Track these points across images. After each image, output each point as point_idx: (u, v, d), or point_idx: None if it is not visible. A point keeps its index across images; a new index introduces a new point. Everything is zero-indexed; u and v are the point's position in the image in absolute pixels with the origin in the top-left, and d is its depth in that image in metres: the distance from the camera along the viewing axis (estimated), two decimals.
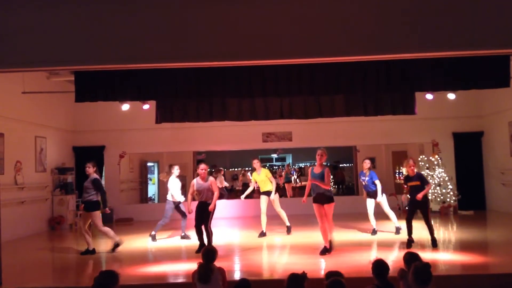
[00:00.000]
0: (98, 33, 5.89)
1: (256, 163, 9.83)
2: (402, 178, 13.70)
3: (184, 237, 9.49)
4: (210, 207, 7.91)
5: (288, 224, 9.72)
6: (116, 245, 8.29)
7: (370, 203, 9.40)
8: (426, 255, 6.84)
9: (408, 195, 8.19)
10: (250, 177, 21.46)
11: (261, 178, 9.74)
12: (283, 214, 9.68)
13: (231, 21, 5.82)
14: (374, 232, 9.32)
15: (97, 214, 8.14)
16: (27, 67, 6.35)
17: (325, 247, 7.52)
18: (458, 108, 13.02)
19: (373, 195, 9.28)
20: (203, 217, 7.97)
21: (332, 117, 9.88)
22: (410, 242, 7.84)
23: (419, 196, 7.71)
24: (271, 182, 9.67)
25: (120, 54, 5.92)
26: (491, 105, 12.96)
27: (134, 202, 15.86)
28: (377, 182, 9.28)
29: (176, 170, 9.69)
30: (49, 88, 11.33)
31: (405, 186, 8.34)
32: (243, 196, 10.64)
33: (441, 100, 11.17)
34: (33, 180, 11.38)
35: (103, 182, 8.62)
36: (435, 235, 7.83)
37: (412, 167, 8.02)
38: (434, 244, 7.73)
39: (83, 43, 5.88)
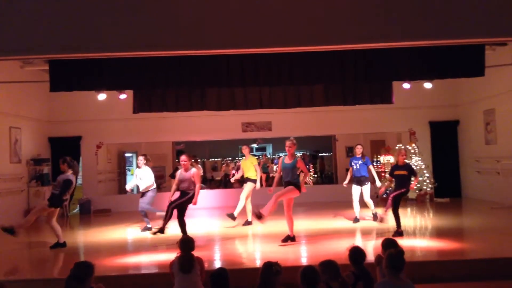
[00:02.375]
0: (73, 21, 5.75)
1: (245, 149, 9.98)
2: (380, 166, 13.89)
3: (146, 229, 9.38)
4: (194, 201, 7.78)
5: (235, 214, 9.55)
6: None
7: (356, 190, 9.33)
8: (404, 242, 6.96)
9: (391, 184, 8.23)
10: (233, 167, 21.55)
11: (247, 164, 9.76)
12: (247, 206, 9.64)
13: (210, 9, 5.76)
14: (356, 220, 9.33)
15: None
16: None
17: (288, 235, 7.52)
18: (435, 97, 13.19)
19: (363, 181, 9.28)
20: (179, 204, 7.84)
21: (311, 106, 9.94)
22: (400, 234, 7.64)
23: (412, 186, 7.87)
24: (255, 170, 9.69)
25: (95, 43, 5.80)
26: (467, 94, 13.17)
27: (112, 193, 15.70)
28: (372, 167, 9.40)
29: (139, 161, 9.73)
30: (23, 78, 11.08)
31: (388, 175, 8.44)
32: (233, 179, 11.20)
33: (417, 90, 11.31)
34: (8, 172, 11.16)
35: (80, 173, 8.41)
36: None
37: (404, 156, 8.06)
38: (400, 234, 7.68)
39: (58, 31, 5.74)
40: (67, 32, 5.74)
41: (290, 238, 7.50)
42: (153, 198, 9.51)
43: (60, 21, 5.72)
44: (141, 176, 9.48)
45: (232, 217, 9.47)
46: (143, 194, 9.48)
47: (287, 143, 7.55)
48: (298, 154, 21.91)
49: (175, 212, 7.86)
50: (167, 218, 7.88)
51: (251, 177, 9.65)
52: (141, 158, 9.69)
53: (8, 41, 5.74)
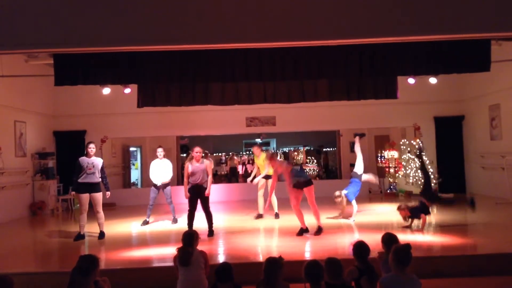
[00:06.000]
0: (78, 15, 5.76)
1: (256, 149, 10.07)
2: (384, 161, 13.85)
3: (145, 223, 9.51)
4: (207, 192, 7.99)
5: (276, 210, 9.77)
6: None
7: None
8: (408, 237, 6.98)
9: None
10: (240, 161, 21.53)
11: (260, 162, 9.88)
12: (273, 200, 9.68)
13: (214, 3, 5.74)
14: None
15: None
16: (4, 50, 6.20)
17: (301, 228, 7.69)
18: (440, 93, 13.14)
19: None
20: (198, 201, 7.99)
21: (315, 101, 9.90)
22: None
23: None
24: (265, 167, 9.74)
25: (100, 37, 5.81)
26: (472, 90, 13.10)
27: (117, 187, 15.72)
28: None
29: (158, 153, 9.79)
30: (28, 72, 11.10)
31: None
32: (249, 179, 10.44)
33: (422, 85, 11.26)
34: (13, 165, 11.21)
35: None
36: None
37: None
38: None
39: (62, 25, 5.75)
40: (72, 26, 5.75)
41: (304, 231, 7.67)
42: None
43: (65, 15, 5.73)
44: (154, 168, 9.52)
45: (277, 216, 9.72)
46: (164, 186, 9.50)
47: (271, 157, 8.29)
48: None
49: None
50: (210, 222, 8.08)
51: (270, 174, 9.72)
52: (160, 150, 9.74)
53: (13, 35, 5.75)
